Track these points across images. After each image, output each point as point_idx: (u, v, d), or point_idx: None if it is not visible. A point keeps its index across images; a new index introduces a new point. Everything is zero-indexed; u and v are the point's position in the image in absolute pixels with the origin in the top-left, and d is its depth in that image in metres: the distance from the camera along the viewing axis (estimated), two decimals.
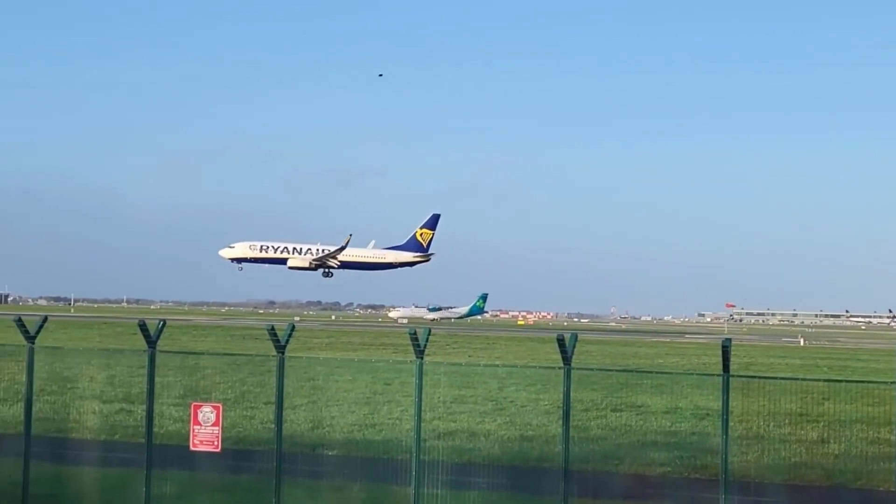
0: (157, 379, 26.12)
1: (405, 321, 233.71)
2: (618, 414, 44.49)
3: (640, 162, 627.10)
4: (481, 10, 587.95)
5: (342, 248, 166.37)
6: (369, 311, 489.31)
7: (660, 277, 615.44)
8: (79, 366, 47.15)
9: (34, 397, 27.16)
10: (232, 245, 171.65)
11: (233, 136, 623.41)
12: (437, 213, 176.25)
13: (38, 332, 26.66)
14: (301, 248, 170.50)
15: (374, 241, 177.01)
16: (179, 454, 26.69)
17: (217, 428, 24.34)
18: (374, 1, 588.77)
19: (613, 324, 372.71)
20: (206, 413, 24.44)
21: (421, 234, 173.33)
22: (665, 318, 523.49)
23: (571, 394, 23.75)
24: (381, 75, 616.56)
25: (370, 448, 33.83)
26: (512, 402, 48.30)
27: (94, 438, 34.48)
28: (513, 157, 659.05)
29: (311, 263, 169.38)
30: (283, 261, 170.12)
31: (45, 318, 27.60)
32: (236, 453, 29.94)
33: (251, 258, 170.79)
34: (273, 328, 24.92)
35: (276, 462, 24.76)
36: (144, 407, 27.23)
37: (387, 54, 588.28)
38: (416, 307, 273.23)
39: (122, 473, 28.15)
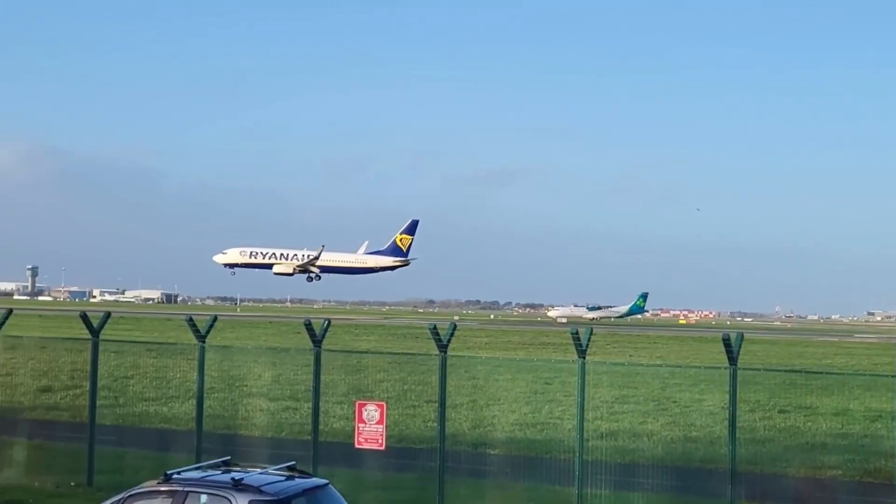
0: (321, 377, 26.59)
1: (564, 320, 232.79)
2: (785, 415, 43.40)
3: (804, 156, 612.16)
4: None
5: (317, 257, 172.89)
6: (528, 310, 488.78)
7: (826, 274, 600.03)
8: (246, 364, 48.33)
9: (204, 395, 27.96)
10: (224, 252, 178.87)
11: (390, 138, 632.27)
12: (416, 219, 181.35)
13: (208, 332, 27.45)
14: (287, 255, 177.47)
15: (367, 242, 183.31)
16: (345, 451, 27.07)
17: (381, 426, 24.63)
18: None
19: (778, 323, 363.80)
20: (371, 411, 24.76)
21: (401, 240, 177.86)
22: (832, 316, 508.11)
23: (737, 394, 23.26)
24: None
25: (532, 447, 33.74)
26: (675, 402, 47.59)
27: (261, 435, 35.26)
28: (674, 153, 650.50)
29: (294, 269, 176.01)
30: (270, 266, 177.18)
31: (215, 318, 28.42)
32: (399, 451, 30.20)
33: (242, 263, 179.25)
34: (435, 327, 25.11)
35: (439, 460, 24.92)
36: (310, 405, 27.76)
37: (542, 52, 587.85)
38: (576, 306, 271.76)
39: None
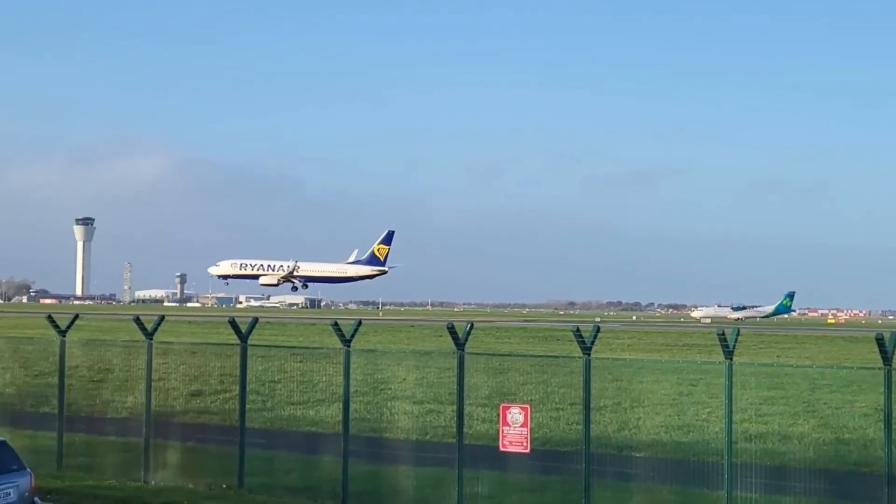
0: (465, 380, 26.64)
1: (708, 321, 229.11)
2: None
3: None
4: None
5: (293, 270, 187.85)
6: (670, 310, 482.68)
7: None
8: (390, 367, 48.73)
9: (350, 398, 28.28)
10: (217, 264, 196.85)
11: (532, 139, 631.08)
12: (392, 230, 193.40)
13: (352, 336, 27.77)
14: (274, 266, 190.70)
15: (356, 251, 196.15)
16: (489, 454, 27.09)
17: (525, 429, 24.56)
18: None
19: None
20: (515, 414, 24.71)
21: (378, 250, 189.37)
22: None
23: (893, 395, 22.52)
24: None
25: (678, 450, 33.20)
26: (825, 403, 46.34)
27: (406, 438, 35.51)
28: (819, 151, 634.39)
29: (278, 280, 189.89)
30: (257, 277, 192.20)
31: (359, 323, 28.73)
32: (544, 454, 30.05)
33: (233, 275, 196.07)
34: (578, 329, 24.93)
35: (584, 463, 24.72)
36: (453, 408, 27.84)
37: (675, 55, 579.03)
38: (720, 306, 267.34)
39: (435, 472, 28.82)
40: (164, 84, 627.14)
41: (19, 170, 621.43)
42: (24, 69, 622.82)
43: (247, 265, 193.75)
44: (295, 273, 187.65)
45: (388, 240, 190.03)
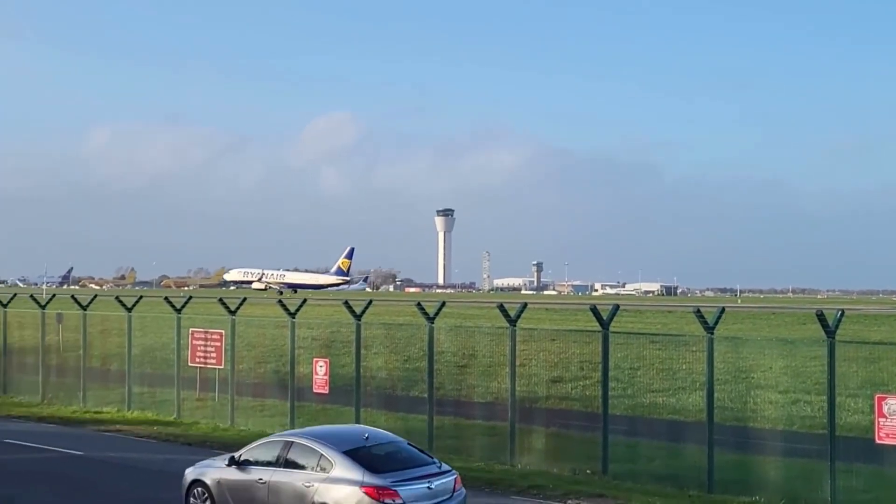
0: (835, 369, 25.55)
1: None
2: None
3: None
4: None
5: (267, 281, 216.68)
6: None
7: None
8: (752, 355, 47.45)
9: (713, 386, 27.73)
10: (228, 270, 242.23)
11: None
12: (353, 246, 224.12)
13: (715, 324, 27.22)
14: (266, 274, 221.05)
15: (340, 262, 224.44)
16: (863, 446, 25.86)
17: None
18: None
19: None
20: (892, 405, 23.45)
21: (343, 263, 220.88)
22: None
23: None
24: None
25: None
26: None
27: (772, 428, 34.49)
28: None
29: (266, 286, 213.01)
30: (250, 283, 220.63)
31: (723, 310, 28.07)
32: None
33: (237, 281, 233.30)
34: None
35: None
36: (821, 398, 26.74)
37: None
38: None
39: (803, 463, 27.84)
40: (524, 78, 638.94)
41: (386, 165, 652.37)
42: (399, 67, 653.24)
43: (248, 272, 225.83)
44: (275, 280, 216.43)
45: (350, 255, 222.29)
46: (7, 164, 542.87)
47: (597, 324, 29.48)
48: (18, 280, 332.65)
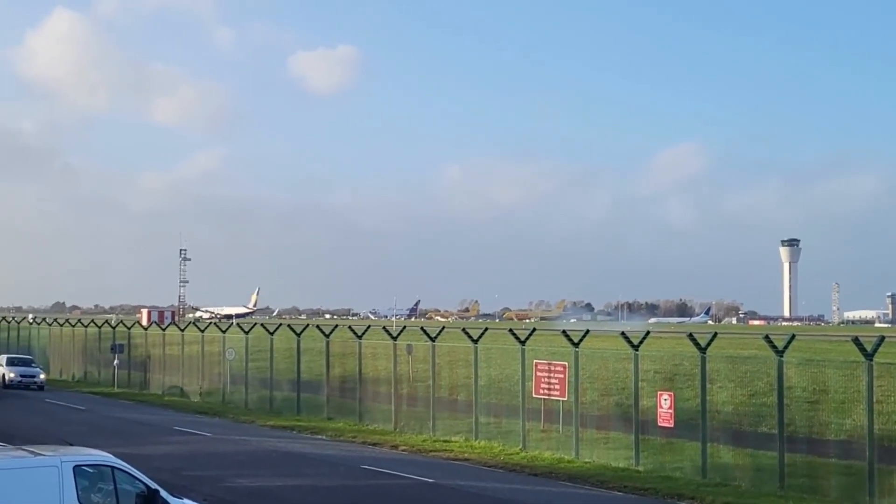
0: None
1: None
2: None
3: None
4: None
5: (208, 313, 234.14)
6: None
7: None
8: None
9: None
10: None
11: None
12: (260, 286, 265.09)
13: None
14: (222, 310, 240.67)
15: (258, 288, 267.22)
16: None
17: None
18: None
19: None
20: None
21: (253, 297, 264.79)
22: None
23: None
24: None
25: None
26: None
27: None
28: None
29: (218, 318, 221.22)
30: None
31: None
32: None
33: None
34: None
35: None
36: None
37: None
38: None
39: None
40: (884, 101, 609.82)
41: (732, 193, 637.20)
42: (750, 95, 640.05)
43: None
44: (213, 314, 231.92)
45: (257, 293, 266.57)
46: (373, 201, 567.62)
47: None
48: (370, 313, 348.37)
